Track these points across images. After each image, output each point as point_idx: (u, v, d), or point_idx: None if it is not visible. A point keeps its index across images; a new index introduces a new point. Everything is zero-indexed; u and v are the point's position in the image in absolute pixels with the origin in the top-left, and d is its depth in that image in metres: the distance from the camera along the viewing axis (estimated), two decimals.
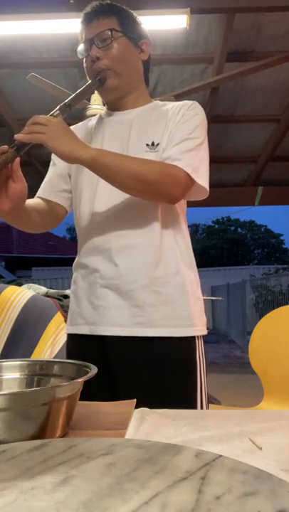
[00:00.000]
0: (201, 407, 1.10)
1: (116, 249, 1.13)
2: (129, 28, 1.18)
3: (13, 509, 0.40)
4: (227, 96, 4.11)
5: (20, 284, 2.30)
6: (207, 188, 1.14)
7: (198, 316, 1.16)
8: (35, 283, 2.57)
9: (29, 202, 1.18)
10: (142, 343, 1.10)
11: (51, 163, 1.33)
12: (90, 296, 1.16)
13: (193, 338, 1.13)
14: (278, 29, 3.14)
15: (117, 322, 1.11)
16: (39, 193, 1.29)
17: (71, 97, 1.14)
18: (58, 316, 1.98)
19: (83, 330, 1.18)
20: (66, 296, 2.21)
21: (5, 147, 0.99)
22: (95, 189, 1.18)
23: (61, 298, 2.15)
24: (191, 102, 1.18)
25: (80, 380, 0.64)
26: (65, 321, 1.99)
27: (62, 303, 2.08)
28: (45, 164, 5.08)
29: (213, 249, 25.47)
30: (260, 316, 5.64)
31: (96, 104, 3.35)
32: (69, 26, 2.63)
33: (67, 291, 2.34)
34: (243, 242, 27.04)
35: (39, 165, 5.08)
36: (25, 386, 0.76)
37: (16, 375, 0.77)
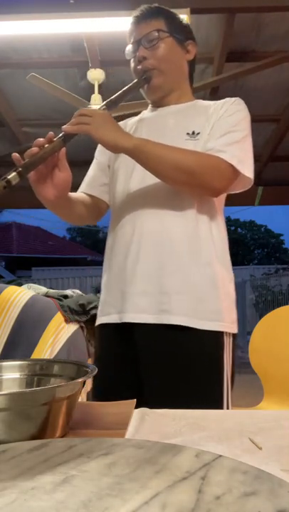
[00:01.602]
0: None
1: (147, 234, 1.13)
2: (176, 29, 1.22)
3: (13, 509, 0.40)
4: (227, 96, 4.09)
5: (20, 284, 2.30)
6: (252, 177, 1.13)
7: (227, 312, 1.13)
8: (35, 283, 2.57)
9: (74, 195, 1.21)
10: (168, 332, 1.08)
11: (94, 159, 1.35)
12: (120, 283, 1.16)
13: (221, 334, 1.11)
14: (278, 29, 3.13)
15: (143, 309, 1.11)
16: (82, 188, 1.31)
17: (117, 93, 1.17)
18: (58, 316, 1.98)
19: (113, 319, 1.17)
20: (66, 296, 2.21)
21: (51, 134, 1.02)
22: (130, 174, 1.19)
23: (61, 298, 2.15)
24: (234, 98, 1.20)
25: (80, 380, 0.64)
26: (65, 321, 2.00)
27: (62, 303, 2.08)
28: None
29: None
30: (260, 316, 5.64)
31: (96, 104, 3.35)
32: (69, 26, 2.62)
33: (67, 291, 2.34)
34: (243, 242, 27.02)
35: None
36: (25, 386, 0.76)
37: (16, 375, 0.77)
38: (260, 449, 0.59)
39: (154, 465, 0.47)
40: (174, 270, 1.10)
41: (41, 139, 1.00)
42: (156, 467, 0.47)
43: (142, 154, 1.05)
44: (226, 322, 1.12)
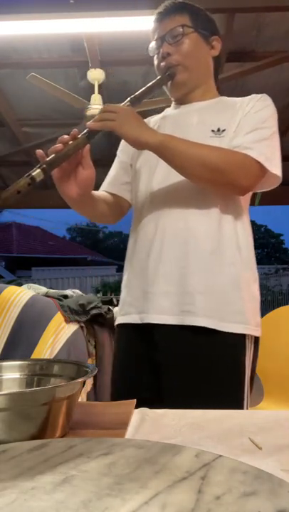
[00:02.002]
0: None
1: (170, 233, 1.11)
2: (201, 25, 1.19)
3: (13, 509, 0.40)
4: (227, 96, 4.10)
5: (20, 284, 2.30)
6: (280, 175, 1.11)
7: (251, 314, 1.10)
8: (35, 283, 2.57)
9: (97, 193, 1.19)
10: (190, 333, 1.06)
11: (116, 157, 1.34)
12: (142, 283, 1.14)
13: (243, 336, 1.08)
14: (278, 29, 3.13)
15: (165, 310, 1.08)
16: (104, 186, 1.29)
17: (141, 90, 1.15)
18: (58, 316, 1.98)
19: (133, 319, 1.15)
20: (66, 296, 2.21)
21: (76, 131, 1.00)
22: (153, 172, 1.17)
23: (61, 298, 2.15)
24: (260, 94, 1.17)
25: (80, 380, 0.64)
26: (65, 321, 2.00)
27: (62, 303, 2.08)
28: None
29: None
30: (261, 316, 5.63)
31: (96, 104, 3.35)
32: (69, 26, 2.63)
33: (67, 291, 2.34)
34: None
35: None
36: (25, 386, 0.76)
37: (16, 375, 0.77)
38: (260, 449, 0.59)
39: (154, 465, 0.47)
40: (197, 270, 1.07)
41: (66, 136, 0.98)
42: (156, 467, 0.47)
43: (167, 150, 1.03)
44: (251, 325, 1.09)
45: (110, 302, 2.48)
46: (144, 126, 1.04)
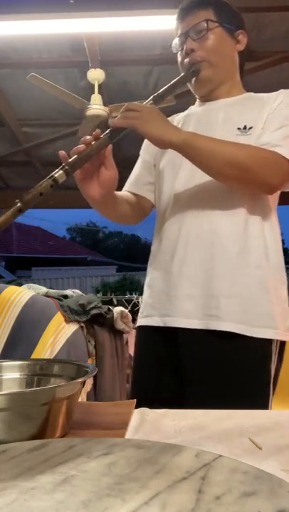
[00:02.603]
0: None
1: (195, 234, 1.08)
2: (226, 19, 1.15)
3: (13, 509, 0.40)
4: None
5: (20, 284, 2.30)
6: None
7: (280, 318, 1.06)
8: (35, 283, 2.57)
9: (119, 193, 1.16)
10: (214, 337, 1.02)
11: (139, 157, 1.31)
12: (165, 286, 1.11)
13: (269, 341, 1.04)
14: (278, 29, 3.13)
15: (189, 313, 1.05)
16: (126, 186, 1.26)
17: (164, 87, 1.12)
18: (58, 316, 1.98)
19: (155, 321, 1.12)
20: (66, 296, 2.21)
21: (98, 131, 0.97)
22: (177, 172, 1.14)
23: (61, 298, 2.16)
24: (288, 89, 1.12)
25: (80, 380, 0.64)
26: (65, 321, 2.00)
27: (62, 303, 2.08)
28: (46, 164, 5.08)
29: None
30: None
31: (96, 104, 3.35)
32: (69, 26, 2.63)
33: (67, 291, 2.35)
34: None
35: (39, 165, 5.08)
36: (25, 386, 0.76)
37: (16, 375, 0.77)
38: (260, 449, 0.59)
39: (154, 465, 0.47)
40: (222, 273, 1.04)
41: (88, 137, 0.95)
42: (156, 467, 0.47)
43: (192, 149, 1.00)
44: (280, 329, 1.05)
45: (110, 302, 2.49)
46: (167, 124, 1.00)
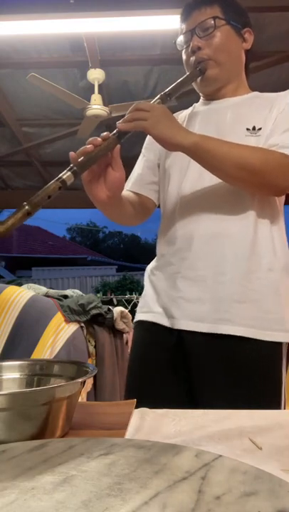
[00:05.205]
0: None
1: (204, 237, 1.06)
2: (233, 17, 1.13)
3: (13, 509, 0.40)
4: None
5: (20, 284, 2.30)
6: None
7: None
8: (35, 283, 2.57)
9: (122, 193, 1.13)
10: (223, 341, 1.01)
11: (140, 155, 1.27)
12: (172, 288, 1.09)
13: (280, 345, 1.03)
14: (278, 29, 3.13)
15: (198, 317, 1.04)
16: (128, 186, 1.23)
17: (171, 86, 1.09)
18: (58, 316, 1.98)
19: (159, 319, 1.11)
20: (66, 296, 2.22)
21: (106, 134, 0.95)
22: (184, 173, 1.11)
23: (61, 298, 2.16)
24: None
25: (80, 380, 0.64)
26: (65, 321, 2.00)
27: (62, 303, 2.08)
28: (45, 164, 5.07)
29: None
30: None
31: (96, 104, 3.35)
32: (69, 26, 2.63)
33: (68, 291, 2.35)
34: None
35: (39, 165, 5.08)
36: (25, 386, 0.76)
37: (16, 375, 0.77)
38: (260, 449, 0.59)
39: (154, 465, 0.47)
40: (231, 276, 1.03)
41: (98, 138, 0.93)
42: (156, 467, 0.47)
43: (204, 153, 0.98)
44: None
45: (110, 302, 2.48)
46: (177, 126, 0.98)
